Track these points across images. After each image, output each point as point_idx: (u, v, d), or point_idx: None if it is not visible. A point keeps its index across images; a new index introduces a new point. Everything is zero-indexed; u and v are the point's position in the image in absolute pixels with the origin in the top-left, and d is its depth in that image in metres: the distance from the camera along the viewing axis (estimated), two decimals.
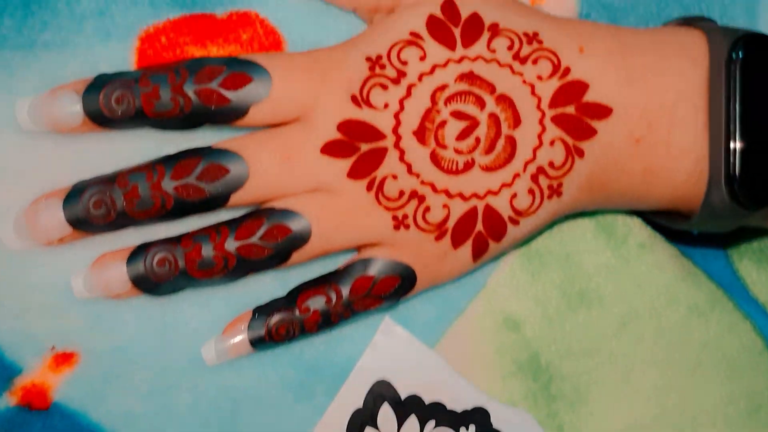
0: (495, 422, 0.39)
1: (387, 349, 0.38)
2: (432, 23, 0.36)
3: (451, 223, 0.36)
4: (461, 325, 0.39)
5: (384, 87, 0.36)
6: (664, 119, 0.36)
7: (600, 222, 0.40)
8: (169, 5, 0.37)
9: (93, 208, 0.34)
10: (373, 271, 0.36)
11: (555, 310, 0.40)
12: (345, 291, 0.36)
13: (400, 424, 0.38)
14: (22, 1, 0.36)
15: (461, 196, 0.36)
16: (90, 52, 0.36)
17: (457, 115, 0.36)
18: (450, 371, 0.38)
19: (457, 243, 0.36)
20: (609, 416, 0.39)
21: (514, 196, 0.36)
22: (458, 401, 0.39)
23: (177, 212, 0.35)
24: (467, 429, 0.39)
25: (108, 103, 0.34)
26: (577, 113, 0.36)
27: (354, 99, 0.35)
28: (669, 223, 0.39)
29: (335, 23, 0.38)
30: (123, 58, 0.36)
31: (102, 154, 0.36)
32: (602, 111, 0.36)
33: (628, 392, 0.39)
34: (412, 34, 0.36)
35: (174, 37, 0.37)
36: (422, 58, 0.36)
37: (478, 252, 0.37)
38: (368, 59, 0.36)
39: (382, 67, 0.36)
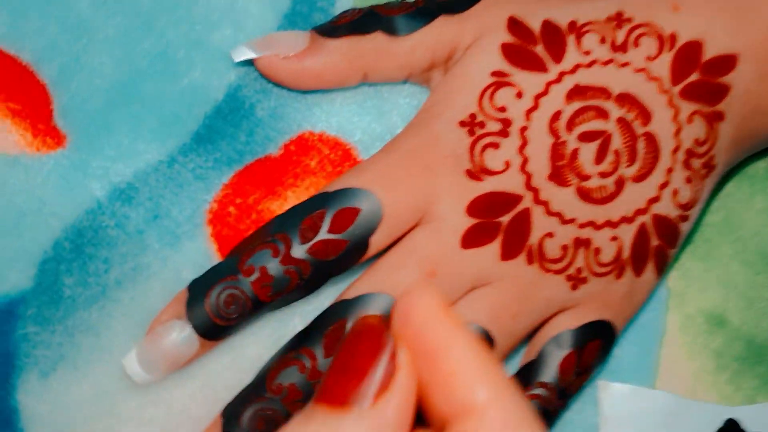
0: (749, 426, 0.34)
1: (617, 412, 0.33)
2: (509, 52, 0.31)
3: (626, 254, 0.31)
4: (670, 349, 0.34)
5: (495, 146, 0.30)
6: None
7: (733, 171, 0.36)
8: (215, 169, 0.31)
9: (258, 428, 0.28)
10: (571, 345, 0.31)
11: (744, 283, 0.35)
12: (552, 380, 0.31)
13: None
14: (72, 249, 0.30)
15: (625, 219, 0.31)
16: (166, 265, 0.30)
17: (585, 137, 0.30)
18: (684, 401, 0.34)
19: (639, 270, 0.31)
20: None
21: (675, 192, 0.31)
22: (707, 425, 0.34)
23: None
24: None
25: (218, 312, 0.28)
26: (703, 77, 0.31)
27: (470, 173, 0.30)
28: None
29: (393, 102, 0.33)
30: (203, 252, 0.30)
31: (232, 365, 0.30)
32: (727, 62, 0.31)
33: None
34: (495, 74, 0.31)
35: (242, 201, 0.31)
36: (519, 95, 0.30)
37: (661, 266, 0.32)
38: (462, 123, 0.30)
39: (482, 125, 0.30)
